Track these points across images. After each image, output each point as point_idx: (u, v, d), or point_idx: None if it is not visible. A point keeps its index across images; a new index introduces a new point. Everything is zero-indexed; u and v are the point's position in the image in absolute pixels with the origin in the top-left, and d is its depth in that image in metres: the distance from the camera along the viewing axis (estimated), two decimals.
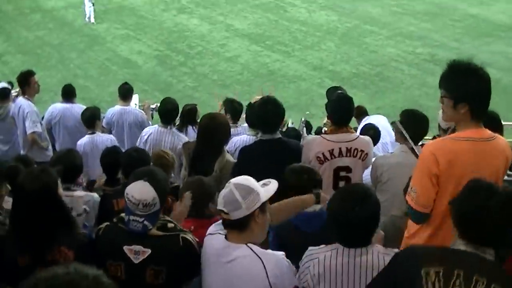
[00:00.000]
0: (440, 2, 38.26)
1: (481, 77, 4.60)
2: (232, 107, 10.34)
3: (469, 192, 3.74)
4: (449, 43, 32.52)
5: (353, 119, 11.30)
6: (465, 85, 4.53)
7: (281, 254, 4.38)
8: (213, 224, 4.56)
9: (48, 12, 37.05)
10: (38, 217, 4.45)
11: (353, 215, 4.25)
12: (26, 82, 11.40)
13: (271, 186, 4.47)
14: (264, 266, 4.16)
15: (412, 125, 7.07)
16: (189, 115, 10.19)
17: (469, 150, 4.48)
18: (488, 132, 4.62)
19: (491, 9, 37.42)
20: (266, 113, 6.82)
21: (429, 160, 4.51)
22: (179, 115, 10.09)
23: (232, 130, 9.57)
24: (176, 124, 9.97)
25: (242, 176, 4.40)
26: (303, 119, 14.93)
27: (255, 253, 4.22)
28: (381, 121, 11.63)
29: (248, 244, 4.25)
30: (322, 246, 4.48)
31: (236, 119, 10.27)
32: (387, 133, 11.03)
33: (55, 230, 4.47)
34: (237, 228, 4.26)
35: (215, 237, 4.42)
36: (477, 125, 4.56)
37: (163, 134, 9.32)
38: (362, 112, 12.20)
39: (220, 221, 4.45)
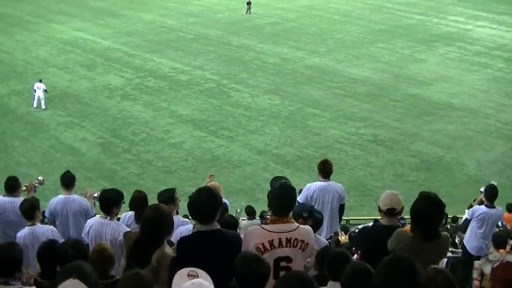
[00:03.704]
0: (380, 84, 39.10)
1: None
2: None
3: None
4: (391, 123, 33.10)
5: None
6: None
7: None
8: None
9: None
10: None
11: None
12: None
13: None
14: None
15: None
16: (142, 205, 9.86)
17: None
18: None
19: (430, 88, 38.42)
20: (201, 204, 6.76)
21: None
22: (124, 203, 9.92)
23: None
24: (118, 215, 9.81)
25: (205, 284, 4.37)
26: (238, 211, 14.83)
27: None
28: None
29: None
30: None
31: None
32: None
33: None
34: None
35: None
36: None
37: (104, 225, 9.18)
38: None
39: None
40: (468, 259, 13.54)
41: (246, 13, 58.23)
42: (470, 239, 13.44)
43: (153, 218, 6.68)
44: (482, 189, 14.91)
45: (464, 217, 14.33)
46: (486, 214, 13.19)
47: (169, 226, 6.83)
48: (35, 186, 12.69)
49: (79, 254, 6.55)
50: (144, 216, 6.85)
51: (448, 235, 7.67)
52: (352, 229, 17.74)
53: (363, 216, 20.96)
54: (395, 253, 5.43)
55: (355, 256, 9.06)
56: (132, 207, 9.75)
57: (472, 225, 13.56)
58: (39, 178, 13.45)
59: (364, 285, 5.08)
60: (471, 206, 14.28)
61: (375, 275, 4.84)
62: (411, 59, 44.91)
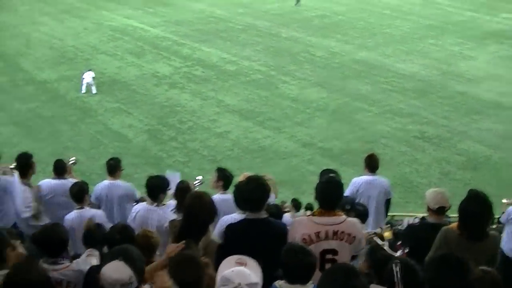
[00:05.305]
0: (429, 80, 38.70)
1: None
2: (225, 175, 10.40)
3: None
4: (438, 120, 32.77)
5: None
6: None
7: None
8: None
9: (41, 85, 37.23)
10: None
11: None
12: (31, 166, 11.44)
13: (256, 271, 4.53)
14: None
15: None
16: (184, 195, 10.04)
17: None
18: None
19: (479, 86, 37.87)
20: (249, 193, 6.80)
21: None
22: (169, 191, 10.02)
23: (222, 196, 9.62)
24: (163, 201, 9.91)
25: (245, 272, 4.40)
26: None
27: None
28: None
29: None
30: None
31: (227, 187, 10.32)
32: None
33: None
34: None
35: None
36: None
37: (150, 211, 9.29)
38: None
39: None
40: (506, 261, 13.41)
41: (295, 4, 58.00)
42: (508, 242, 13.26)
43: (193, 206, 6.74)
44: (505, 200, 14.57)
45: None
46: None
47: (211, 214, 6.86)
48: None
49: (126, 240, 6.65)
50: (185, 204, 6.91)
51: (497, 234, 7.63)
52: (396, 225, 17.64)
53: (408, 213, 20.80)
54: (447, 250, 5.41)
55: (399, 252, 9.06)
56: (175, 196, 9.86)
57: (508, 228, 13.36)
58: (71, 159, 13.67)
59: (411, 282, 5.08)
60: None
61: (425, 270, 4.85)
62: (461, 56, 44.32)
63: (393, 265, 5.11)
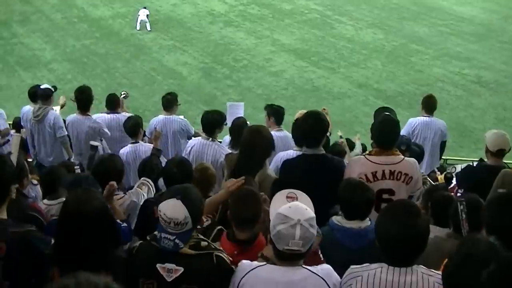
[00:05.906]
0: (488, 24, 37.87)
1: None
2: (274, 110, 10.35)
3: None
4: (497, 65, 32.13)
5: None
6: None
7: (329, 266, 4.39)
8: (241, 264, 4.51)
9: (96, 22, 37.46)
10: (90, 240, 4.27)
11: (401, 235, 4.17)
12: (92, 99, 11.57)
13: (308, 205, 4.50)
14: (326, 282, 4.27)
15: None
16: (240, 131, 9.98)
17: None
18: None
19: None
20: (308, 128, 6.73)
21: None
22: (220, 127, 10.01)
23: (277, 133, 9.58)
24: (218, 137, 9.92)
25: (302, 207, 4.35)
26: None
27: (314, 272, 4.30)
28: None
29: (303, 265, 4.32)
30: (365, 264, 4.42)
31: (279, 121, 10.29)
32: None
33: (104, 254, 4.33)
34: (301, 256, 4.30)
35: (260, 269, 4.40)
36: None
37: (205, 146, 9.27)
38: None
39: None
40: None
41: None
42: None
43: (252, 140, 6.68)
44: None
45: None
46: None
47: (268, 148, 6.81)
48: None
49: (183, 174, 6.63)
50: (243, 138, 6.87)
51: None
52: (448, 170, 17.52)
53: (461, 157, 20.61)
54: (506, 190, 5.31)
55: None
56: (230, 132, 9.85)
57: None
58: (122, 92, 13.79)
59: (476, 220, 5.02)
60: None
61: (485, 210, 4.77)
62: None
63: (458, 204, 5.01)
